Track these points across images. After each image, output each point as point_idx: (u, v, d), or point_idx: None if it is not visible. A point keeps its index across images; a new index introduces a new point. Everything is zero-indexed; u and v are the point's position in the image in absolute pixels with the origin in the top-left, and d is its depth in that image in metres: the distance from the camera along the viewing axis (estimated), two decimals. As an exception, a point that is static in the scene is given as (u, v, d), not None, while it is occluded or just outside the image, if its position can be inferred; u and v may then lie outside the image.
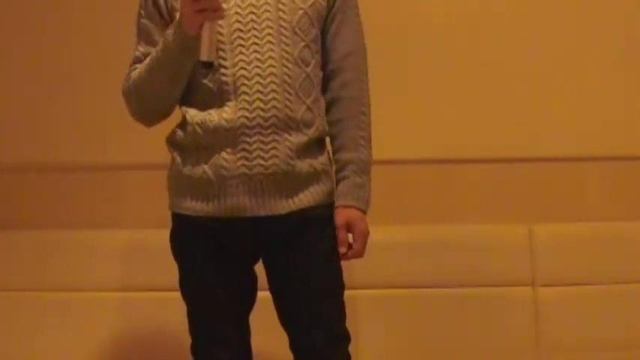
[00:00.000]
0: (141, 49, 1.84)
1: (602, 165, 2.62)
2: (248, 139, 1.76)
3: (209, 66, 1.70)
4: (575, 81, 2.62)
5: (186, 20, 1.67)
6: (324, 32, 1.87)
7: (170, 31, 1.72)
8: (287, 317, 1.88)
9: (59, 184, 2.68)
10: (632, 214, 2.58)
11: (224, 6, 1.71)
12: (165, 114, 1.87)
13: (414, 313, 2.47)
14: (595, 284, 2.47)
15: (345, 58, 1.87)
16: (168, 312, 2.45)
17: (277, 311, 1.89)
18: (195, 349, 1.90)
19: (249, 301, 1.91)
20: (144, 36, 1.84)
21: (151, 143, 2.64)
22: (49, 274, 2.52)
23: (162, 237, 2.51)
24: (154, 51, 1.78)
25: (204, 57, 1.67)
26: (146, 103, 1.83)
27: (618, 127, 2.61)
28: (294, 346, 1.89)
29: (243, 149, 1.76)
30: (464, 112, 2.61)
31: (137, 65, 1.83)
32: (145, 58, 1.82)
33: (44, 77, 2.69)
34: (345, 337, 1.89)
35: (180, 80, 1.79)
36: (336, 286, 1.89)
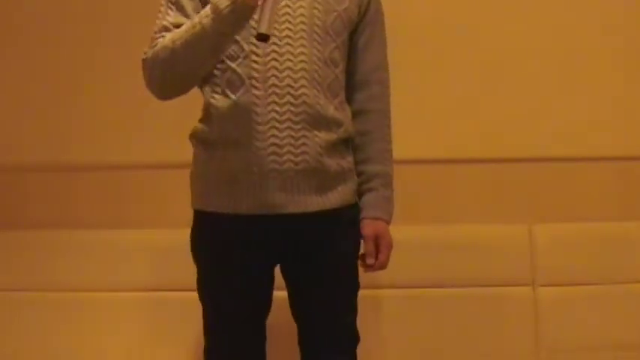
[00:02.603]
0: (169, 18, 1.76)
1: (602, 165, 2.61)
2: (278, 134, 1.74)
3: (265, 39, 1.61)
4: (575, 81, 2.62)
5: None
6: (352, 42, 1.87)
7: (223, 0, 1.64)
8: (302, 313, 1.88)
9: (59, 184, 2.68)
10: (632, 214, 2.58)
11: None
12: (187, 88, 1.78)
13: (414, 313, 2.47)
14: (595, 284, 2.47)
15: (373, 72, 1.90)
16: (169, 312, 2.46)
17: (292, 306, 1.89)
18: (210, 351, 1.87)
19: (268, 304, 1.89)
20: (174, 6, 1.77)
21: (152, 143, 2.65)
22: (49, 274, 2.52)
23: (163, 237, 2.53)
24: (194, 19, 1.69)
25: (263, 29, 1.59)
26: (174, 73, 1.73)
27: (618, 127, 2.61)
28: (303, 342, 1.90)
29: (274, 144, 1.74)
30: (464, 112, 2.61)
31: (165, 34, 1.74)
32: (174, 28, 1.73)
33: (44, 77, 2.69)
34: (356, 339, 1.91)
35: (220, 52, 1.73)
36: (354, 287, 1.91)
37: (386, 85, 1.93)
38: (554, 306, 2.46)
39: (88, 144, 2.67)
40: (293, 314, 1.89)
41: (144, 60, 1.76)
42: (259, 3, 1.60)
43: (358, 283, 1.92)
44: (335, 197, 1.82)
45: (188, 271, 2.48)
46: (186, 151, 2.63)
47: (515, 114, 2.62)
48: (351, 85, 1.89)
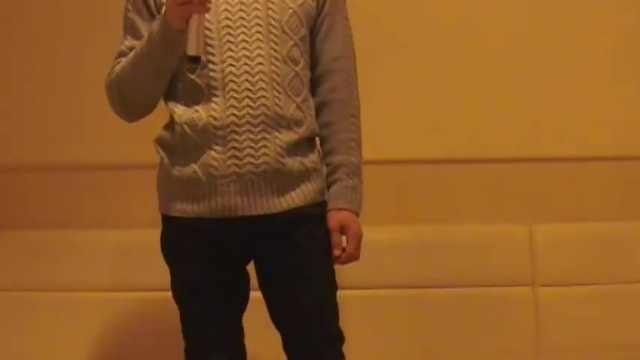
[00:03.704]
0: (127, 43, 1.82)
1: (602, 165, 2.61)
2: (238, 137, 1.75)
3: (196, 61, 1.66)
4: (575, 81, 2.62)
5: (171, 13, 1.65)
6: (312, 34, 1.87)
7: (155, 24, 1.70)
8: (280, 317, 1.88)
9: (59, 184, 2.68)
10: (632, 214, 2.58)
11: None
12: (148, 110, 1.85)
13: (414, 313, 2.47)
14: (595, 284, 2.47)
15: (334, 62, 1.88)
16: (171, 312, 2.46)
17: (270, 311, 1.89)
18: (188, 352, 1.88)
19: (243, 302, 1.90)
20: (130, 30, 1.82)
21: (151, 143, 2.65)
22: (49, 274, 2.52)
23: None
24: (138, 45, 1.75)
25: (191, 51, 1.64)
26: (129, 97, 1.81)
27: (618, 127, 2.61)
28: (287, 347, 1.88)
29: (233, 147, 1.75)
30: (464, 112, 2.61)
31: (122, 59, 1.81)
32: (130, 53, 1.79)
33: (44, 77, 2.69)
34: (339, 338, 1.89)
35: (165, 75, 1.77)
36: (329, 286, 1.89)
37: (350, 75, 1.90)
38: (554, 306, 2.46)
39: (88, 144, 2.67)
40: (273, 320, 1.89)
41: (106, 87, 1.84)
42: (184, 25, 1.64)
43: (335, 282, 1.89)
44: (298, 196, 1.82)
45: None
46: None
47: (516, 114, 2.62)
48: (314, 78, 1.88)
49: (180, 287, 1.87)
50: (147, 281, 2.48)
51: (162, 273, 2.50)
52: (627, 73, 2.61)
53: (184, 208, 1.80)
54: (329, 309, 1.88)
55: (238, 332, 1.90)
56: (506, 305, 2.47)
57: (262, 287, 1.89)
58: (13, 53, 2.70)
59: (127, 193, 2.67)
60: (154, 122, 2.71)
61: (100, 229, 2.58)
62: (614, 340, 2.42)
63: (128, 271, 2.51)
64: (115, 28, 2.69)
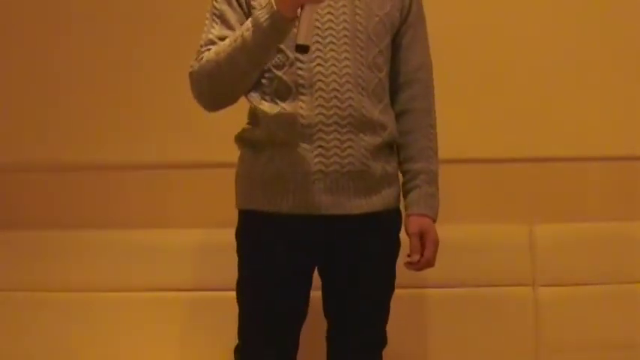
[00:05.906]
0: (214, 32, 1.80)
1: (602, 165, 2.61)
2: (325, 136, 1.77)
3: (305, 50, 1.65)
4: (575, 81, 2.62)
5: (284, 2, 1.63)
6: (394, 43, 1.89)
7: (262, 12, 1.67)
8: (332, 311, 1.90)
9: (59, 184, 2.68)
10: (632, 214, 2.58)
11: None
12: (233, 100, 1.83)
13: (414, 312, 2.47)
14: (595, 284, 2.47)
15: (416, 72, 1.92)
16: (168, 313, 2.46)
17: (324, 300, 1.91)
18: (241, 352, 1.89)
19: (304, 311, 1.90)
20: (219, 19, 1.81)
21: (153, 143, 2.65)
22: (49, 274, 2.52)
23: (162, 237, 2.53)
24: (237, 33, 1.73)
25: (301, 40, 1.63)
26: (220, 86, 1.78)
27: (618, 127, 2.61)
28: (330, 339, 1.91)
29: (320, 146, 1.77)
30: (464, 112, 2.61)
31: (210, 47, 1.78)
32: (219, 41, 1.78)
33: (44, 77, 2.69)
34: (382, 343, 1.93)
35: (262, 65, 1.76)
36: (389, 291, 1.93)
37: (429, 84, 1.95)
38: (554, 306, 2.46)
39: (88, 144, 2.67)
40: (324, 310, 1.91)
41: (190, 73, 1.81)
42: (295, 14, 1.64)
43: (394, 287, 1.93)
44: (379, 201, 1.84)
45: (185, 271, 2.49)
46: (187, 152, 2.64)
47: (516, 114, 2.62)
48: (395, 86, 1.91)
49: (248, 284, 1.86)
50: (148, 281, 2.48)
51: (162, 272, 2.51)
52: (627, 73, 2.61)
53: (264, 202, 1.81)
54: (382, 315, 1.93)
55: (294, 343, 1.89)
56: (506, 305, 2.47)
57: (322, 278, 1.90)
58: (13, 53, 2.70)
59: (127, 193, 2.67)
60: (155, 123, 2.72)
61: (100, 229, 2.58)
62: (614, 340, 2.42)
63: (129, 271, 2.51)
64: (115, 28, 2.70)
